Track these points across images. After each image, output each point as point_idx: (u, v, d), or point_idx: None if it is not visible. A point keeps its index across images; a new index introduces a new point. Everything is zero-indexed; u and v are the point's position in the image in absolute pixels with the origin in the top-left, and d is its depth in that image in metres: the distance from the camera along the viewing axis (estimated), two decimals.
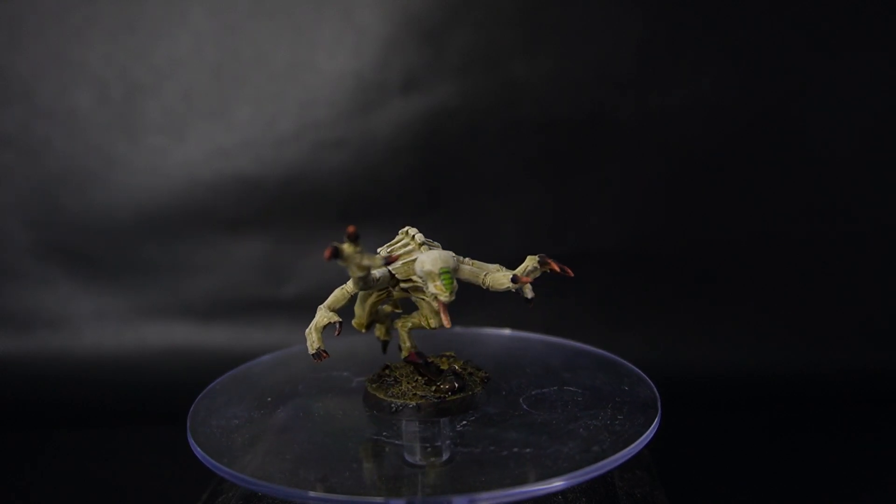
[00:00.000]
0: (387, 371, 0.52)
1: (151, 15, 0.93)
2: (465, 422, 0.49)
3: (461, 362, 0.54)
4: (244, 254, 0.96)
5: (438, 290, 0.45)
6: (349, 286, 0.49)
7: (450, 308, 0.46)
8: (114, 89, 0.94)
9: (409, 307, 0.55)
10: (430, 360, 0.53)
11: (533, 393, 0.53)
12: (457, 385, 0.50)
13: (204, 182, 0.95)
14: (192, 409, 0.52)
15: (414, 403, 0.48)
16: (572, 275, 0.48)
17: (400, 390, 0.50)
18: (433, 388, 0.49)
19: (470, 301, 0.55)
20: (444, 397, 0.49)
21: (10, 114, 0.93)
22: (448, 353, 0.55)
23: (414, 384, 0.50)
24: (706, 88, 0.93)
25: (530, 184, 0.95)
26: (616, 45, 0.92)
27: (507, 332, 0.68)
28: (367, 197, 0.95)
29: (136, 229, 0.95)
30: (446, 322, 0.45)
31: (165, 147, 0.94)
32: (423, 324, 0.52)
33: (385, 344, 0.58)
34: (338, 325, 0.48)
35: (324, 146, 0.95)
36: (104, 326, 0.94)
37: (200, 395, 0.54)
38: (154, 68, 0.93)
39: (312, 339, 0.48)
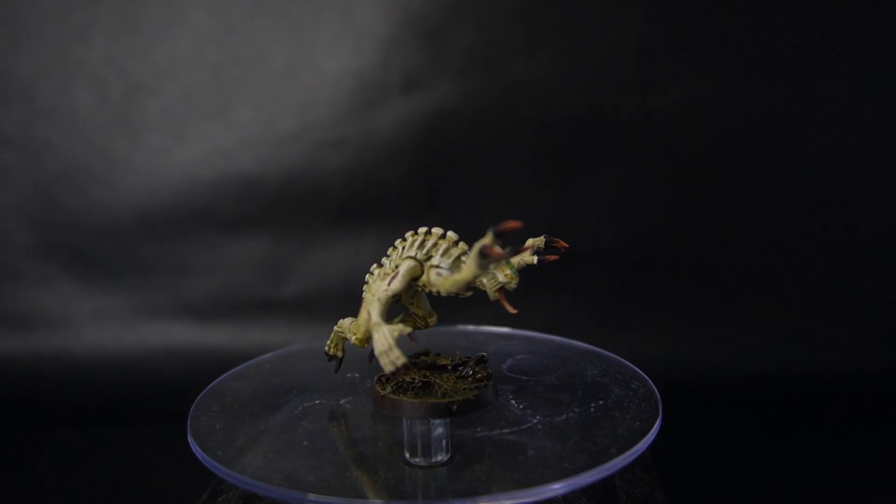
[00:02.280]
0: (408, 378, 0.50)
1: (151, 15, 0.93)
2: (512, 400, 0.50)
3: (458, 354, 0.54)
4: (244, 254, 0.96)
5: (509, 278, 0.45)
6: (383, 294, 0.46)
7: (453, 308, 0.46)
8: (114, 89, 0.94)
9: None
10: (414, 361, 0.53)
11: (526, 379, 0.55)
12: (489, 371, 0.50)
13: (204, 182, 0.95)
14: (192, 409, 0.52)
15: (472, 397, 0.48)
16: (567, 245, 0.49)
17: (444, 390, 0.49)
18: (469, 380, 0.49)
19: (470, 302, 0.55)
20: (487, 385, 0.49)
21: (10, 114, 0.93)
22: (424, 352, 0.55)
23: (453, 381, 0.49)
24: (706, 88, 0.93)
25: (530, 184, 0.95)
26: (616, 45, 0.92)
27: (505, 330, 0.68)
28: (367, 197, 0.95)
29: (136, 229, 0.95)
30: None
31: (165, 147, 0.94)
32: (421, 325, 0.52)
33: (340, 361, 0.55)
34: (412, 335, 0.45)
35: (324, 146, 0.95)
36: (104, 326, 0.94)
37: (200, 396, 0.54)
38: (154, 68, 0.93)
39: (396, 355, 0.43)
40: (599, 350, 0.60)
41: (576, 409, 0.49)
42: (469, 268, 0.42)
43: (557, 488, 0.40)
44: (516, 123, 0.94)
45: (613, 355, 0.60)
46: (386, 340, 0.43)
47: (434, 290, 0.47)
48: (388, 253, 0.50)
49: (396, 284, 0.47)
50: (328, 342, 0.54)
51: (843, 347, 0.90)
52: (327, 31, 0.93)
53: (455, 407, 0.47)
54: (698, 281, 0.95)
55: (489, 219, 0.96)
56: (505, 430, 0.46)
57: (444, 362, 0.53)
